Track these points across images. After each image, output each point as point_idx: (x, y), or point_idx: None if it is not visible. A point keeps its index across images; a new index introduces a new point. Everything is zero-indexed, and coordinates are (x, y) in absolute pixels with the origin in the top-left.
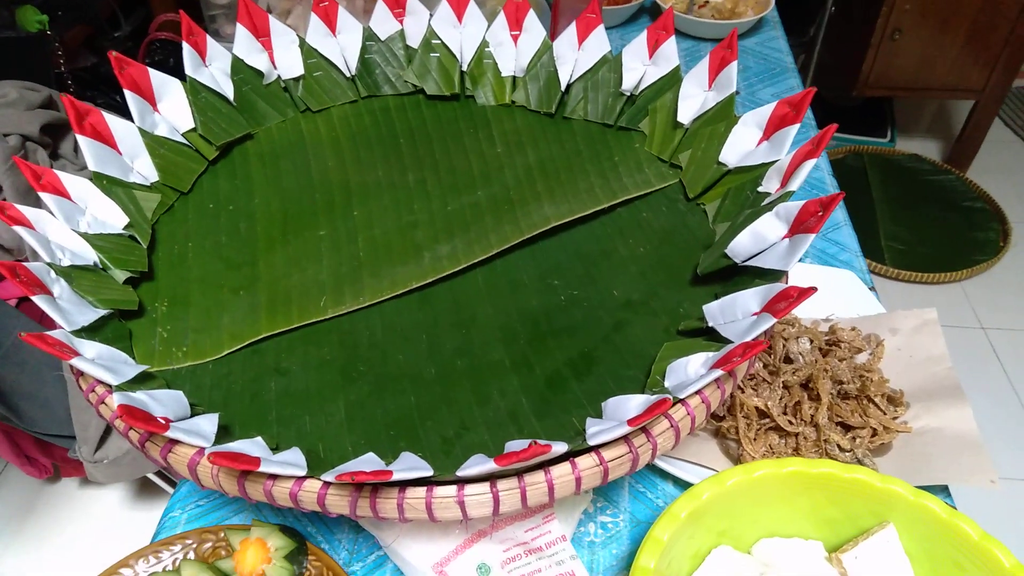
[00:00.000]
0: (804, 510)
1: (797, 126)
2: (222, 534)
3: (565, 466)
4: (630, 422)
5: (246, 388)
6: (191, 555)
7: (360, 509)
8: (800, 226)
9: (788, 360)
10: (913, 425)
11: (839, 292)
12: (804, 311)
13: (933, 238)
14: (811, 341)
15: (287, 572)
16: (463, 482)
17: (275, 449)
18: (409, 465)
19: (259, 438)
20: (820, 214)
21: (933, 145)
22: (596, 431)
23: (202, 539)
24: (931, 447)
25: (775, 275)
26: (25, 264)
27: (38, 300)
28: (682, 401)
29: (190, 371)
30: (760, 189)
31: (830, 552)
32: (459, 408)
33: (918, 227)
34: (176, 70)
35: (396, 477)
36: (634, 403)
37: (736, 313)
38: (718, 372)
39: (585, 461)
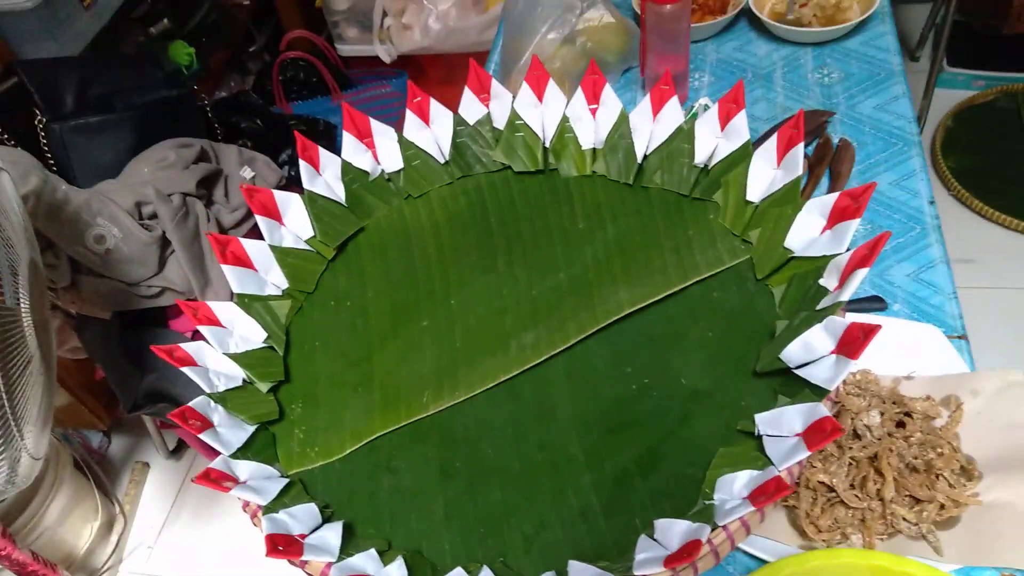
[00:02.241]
0: None
1: (858, 221)
2: None
3: None
4: (666, 563)
5: (364, 487)
6: None
7: None
8: (844, 348)
9: (856, 435)
10: (984, 497)
11: (922, 349)
12: (884, 369)
13: None
14: (882, 414)
15: None
16: None
17: (388, 548)
18: None
19: (373, 550)
20: (862, 339)
21: None
22: (641, 560)
23: None
24: (999, 524)
25: (824, 391)
26: (190, 405)
27: (204, 437)
28: (723, 526)
29: (321, 470)
30: (821, 282)
31: None
32: (538, 505)
33: None
34: (307, 84)
35: None
36: (678, 529)
37: (782, 428)
38: (750, 507)
39: None
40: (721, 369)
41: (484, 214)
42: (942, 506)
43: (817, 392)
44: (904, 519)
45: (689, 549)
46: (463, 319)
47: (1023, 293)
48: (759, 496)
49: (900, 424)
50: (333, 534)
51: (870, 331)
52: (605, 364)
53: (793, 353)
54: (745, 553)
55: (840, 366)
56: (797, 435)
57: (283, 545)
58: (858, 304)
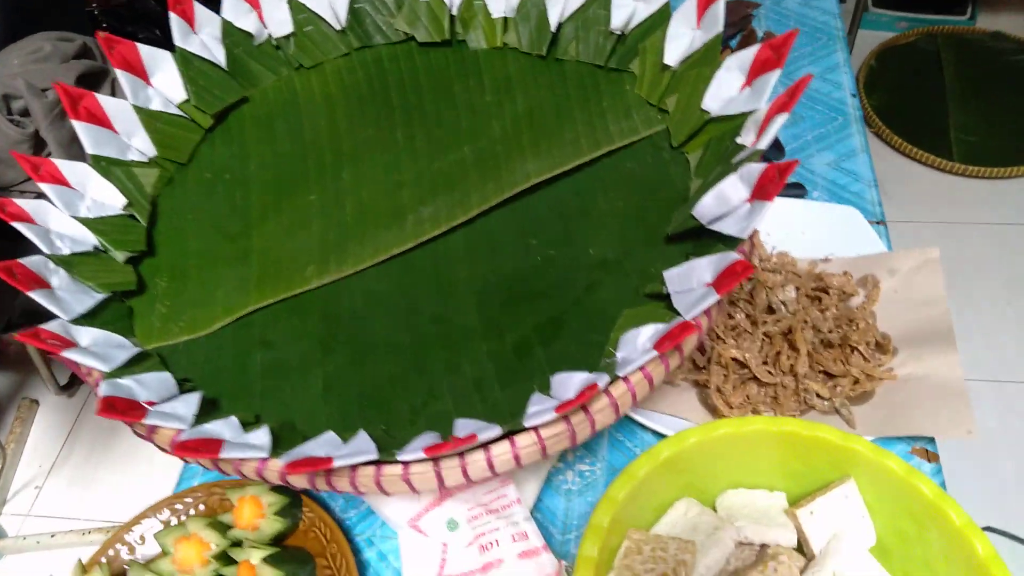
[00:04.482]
0: (769, 463)
1: (778, 72)
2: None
3: (504, 444)
4: (557, 409)
5: (234, 361)
6: (201, 507)
7: (318, 484)
8: (760, 191)
9: (771, 310)
10: (899, 372)
11: (840, 230)
12: (801, 251)
13: (1009, 127)
14: (797, 289)
15: (280, 524)
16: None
17: (255, 421)
18: (357, 448)
19: (232, 418)
20: (777, 179)
21: (1022, 20)
22: (532, 413)
23: (210, 493)
24: (913, 396)
25: (736, 241)
26: (21, 261)
27: (34, 295)
28: (623, 378)
29: (185, 346)
30: (739, 140)
31: (792, 503)
32: (429, 376)
33: (993, 116)
34: None
35: (336, 464)
36: (575, 381)
37: (691, 282)
38: (653, 353)
39: (523, 439)
40: (632, 238)
41: (384, 88)
42: (856, 380)
43: (730, 245)
44: (817, 394)
45: (583, 395)
46: (355, 193)
47: (942, 226)
48: (663, 342)
49: (817, 300)
50: (185, 404)
51: (786, 168)
52: (509, 237)
53: (706, 207)
54: (653, 432)
55: (755, 212)
56: (708, 285)
57: (123, 408)
58: None
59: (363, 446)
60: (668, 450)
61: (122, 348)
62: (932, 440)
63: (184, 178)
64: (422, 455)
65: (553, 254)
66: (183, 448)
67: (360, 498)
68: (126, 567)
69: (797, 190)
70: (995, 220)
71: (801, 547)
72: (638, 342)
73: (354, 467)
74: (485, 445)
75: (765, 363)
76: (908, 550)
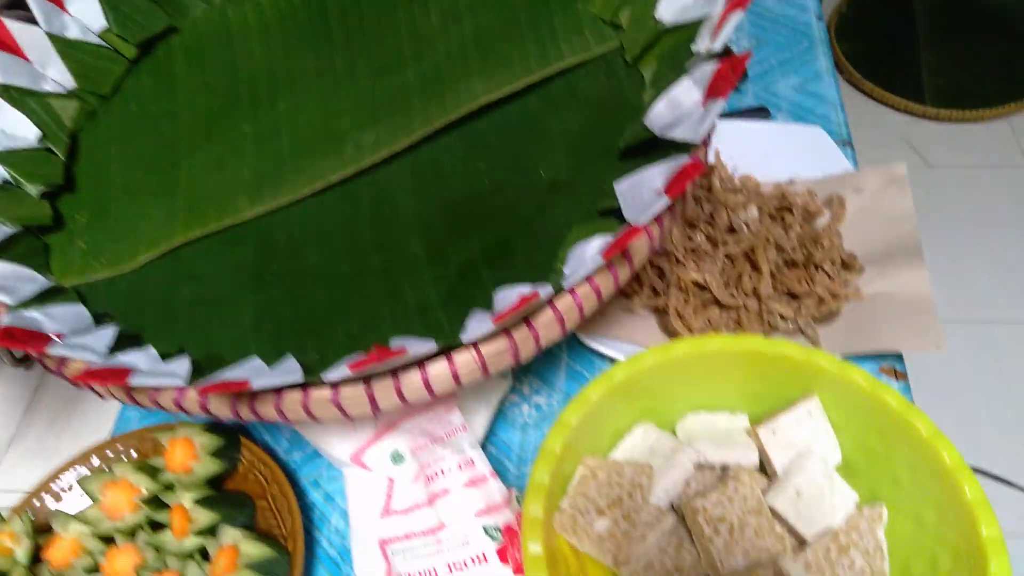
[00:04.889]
0: (730, 384)
1: None
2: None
3: (441, 362)
4: (494, 320)
5: (159, 296)
6: (133, 453)
7: (242, 412)
8: (713, 90)
9: (732, 231)
10: (866, 290)
11: (806, 152)
12: (766, 175)
13: (982, 70)
14: (759, 209)
15: (215, 466)
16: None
17: (178, 353)
18: (281, 371)
19: (150, 348)
20: (731, 74)
21: None
22: (471, 328)
23: (142, 438)
24: (880, 312)
25: (691, 147)
26: None
27: None
28: (570, 290)
29: (107, 282)
30: (694, 47)
31: (754, 424)
32: (369, 304)
33: (966, 59)
34: None
35: (255, 386)
36: (515, 293)
37: (642, 190)
38: (600, 261)
39: (461, 356)
40: (585, 157)
41: (323, 15)
42: (821, 300)
43: (685, 151)
44: (781, 316)
45: (522, 302)
46: (291, 122)
47: (914, 170)
48: (610, 250)
49: (780, 220)
50: (99, 337)
51: (739, 63)
52: (456, 162)
53: (658, 115)
54: (611, 360)
55: (709, 113)
56: (658, 192)
57: (24, 338)
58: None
59: (288, 368)
60: (623, 373)
61: (32, 282)
62: (900, 359)
63: (108, 111)
64: (348, 373)
65: (502, 177)
66: (90, 376)
67: (305, 439)
68: (52, 518)
69: (761, 114)
70: (967, 163)
71: (763, 467)
72: (586, 255)
73: (279, 391)
74: (421, 364)
75: (727, 285)
76: (875, 467)
